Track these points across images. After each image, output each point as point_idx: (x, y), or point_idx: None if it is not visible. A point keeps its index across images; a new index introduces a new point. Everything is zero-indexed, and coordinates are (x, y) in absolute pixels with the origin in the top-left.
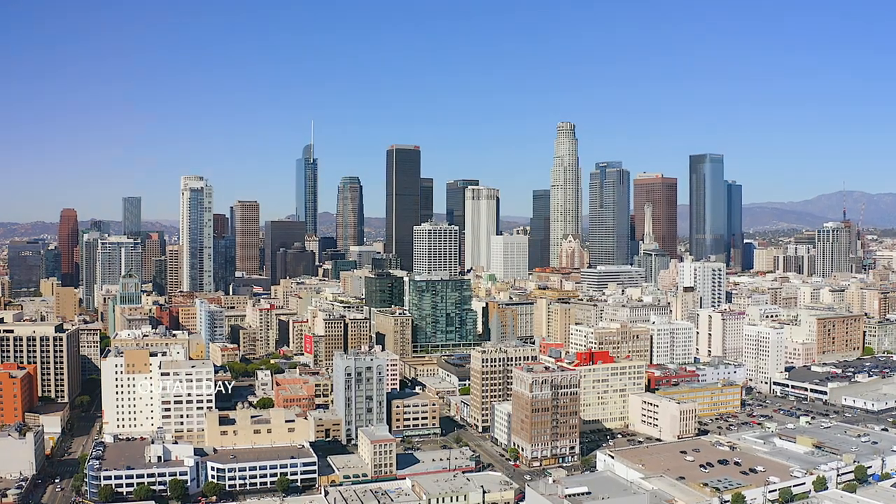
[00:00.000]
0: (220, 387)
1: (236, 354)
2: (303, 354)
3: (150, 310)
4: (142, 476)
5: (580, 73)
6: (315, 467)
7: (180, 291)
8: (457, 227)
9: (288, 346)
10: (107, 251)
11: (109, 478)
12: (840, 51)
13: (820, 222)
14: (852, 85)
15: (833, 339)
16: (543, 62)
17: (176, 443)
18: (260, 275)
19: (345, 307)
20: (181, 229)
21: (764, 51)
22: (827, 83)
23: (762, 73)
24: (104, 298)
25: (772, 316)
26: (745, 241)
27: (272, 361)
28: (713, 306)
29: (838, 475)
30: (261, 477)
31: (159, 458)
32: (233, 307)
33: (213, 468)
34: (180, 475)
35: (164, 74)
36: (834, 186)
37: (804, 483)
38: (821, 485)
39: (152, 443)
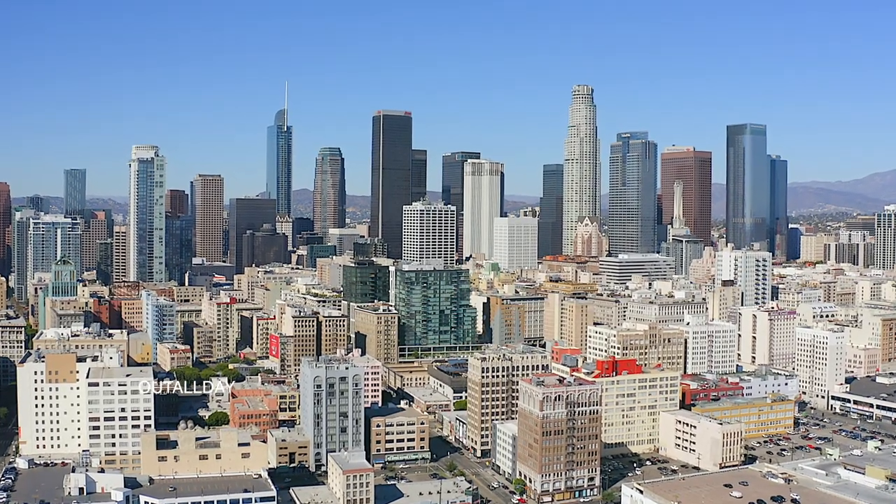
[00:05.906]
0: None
1: (188, 357)
2: (268, 358)
3: (87, 303)
4: None
5: (599, 32)
6: (274, 503)
7: (125, 281)
8: (454, 208)
9: (251, 348)
10: (40, 232)
11: None
12: None
13: (873, 205)
14: None
15: None
16: (556, 20)
17: (103, 471)
18: (223, 261)
19: (319, 302)
20: (130, 207)
21: (811, 8)
22: (883, 44)
23: (809, 33)
24: (35, 289)
25: (828, 316)
26: (790, 225)
27: (231, 367)
28: (757, 304)
29: None
30: None
31: (81, 490)
32: (187, 300)
33: (146, 503)
34: None
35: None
36: (889, 164)
37: None
38: None
39: (73, 470)
